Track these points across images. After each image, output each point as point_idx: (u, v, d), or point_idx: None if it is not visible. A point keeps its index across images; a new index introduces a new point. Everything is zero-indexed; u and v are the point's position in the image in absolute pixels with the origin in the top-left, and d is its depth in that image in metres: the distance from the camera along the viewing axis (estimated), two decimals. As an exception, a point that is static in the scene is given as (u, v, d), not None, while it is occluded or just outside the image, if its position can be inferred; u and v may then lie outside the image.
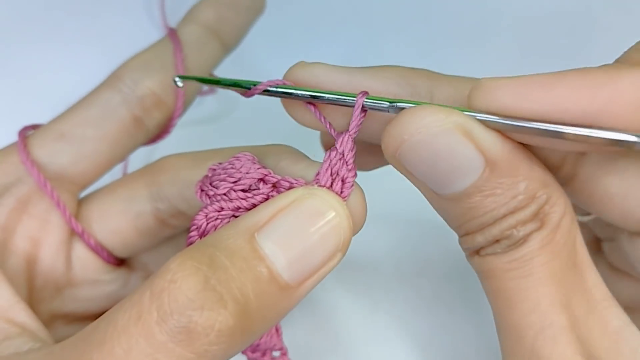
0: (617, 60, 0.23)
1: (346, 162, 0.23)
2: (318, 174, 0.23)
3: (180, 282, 0.20)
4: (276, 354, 0.29)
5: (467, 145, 0.21)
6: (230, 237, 0.21)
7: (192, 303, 0.19)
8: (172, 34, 0.32)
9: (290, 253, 0.21)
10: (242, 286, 0.20)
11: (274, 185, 0.24)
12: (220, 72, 0.35)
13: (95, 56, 0.51)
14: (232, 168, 0.24)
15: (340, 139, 0.24)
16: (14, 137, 0.46)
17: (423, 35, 0.52)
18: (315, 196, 0.22)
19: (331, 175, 0.23)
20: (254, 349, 0.28)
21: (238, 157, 0.25)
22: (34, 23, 0.53)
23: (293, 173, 0.24)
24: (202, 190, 0.25)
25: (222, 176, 0.24)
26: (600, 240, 0.32)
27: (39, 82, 0.50)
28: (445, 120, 0.21)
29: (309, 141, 0.33)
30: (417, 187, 0.23)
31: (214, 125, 0.50)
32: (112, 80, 0.31)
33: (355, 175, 0.24)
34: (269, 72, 0.51)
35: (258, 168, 0.24)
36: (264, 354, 0.28)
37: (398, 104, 0.23)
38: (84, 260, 0.31)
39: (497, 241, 0.22)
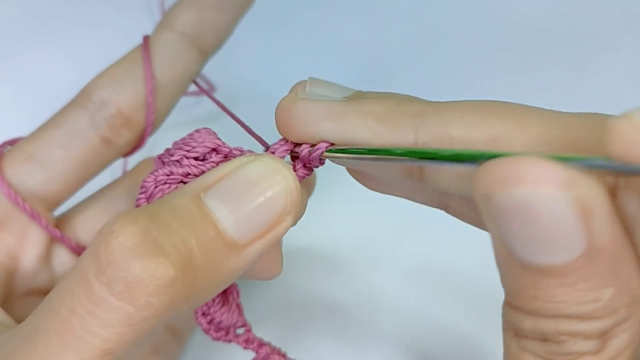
0: None
1: (305, 167, 0.25)
2: (273, 145, 0.25)
3: (118, 232, 0.19)
4: (240, 331, 0.29)
5: (578, 225, 0.17)
6: (174, 198, 0.22)
7: (130, 252, 0.19)
8: (145, 43, 0.31)
9: (236, 211, 0.21)
10: (185, 239, 0.20)
11: (226, 156, 0.25)
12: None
13: (94, 56, 0.51)
14: (190, 139, 0.25)
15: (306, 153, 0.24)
16: (11, 134, 0.46)
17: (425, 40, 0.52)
18: (261, 160, 0.23)
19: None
20: (217, 327, 0.28)
21: (199, 130, 0.26)
22: (32, 23, 0.53)
23: None
24: (159, 158, 0.26)
25: (179, 144, 0.25)
26: None
27: (37, 83, 0.50)
28: (569, 190, 0.17)
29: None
30: (491, 238, 0.19)
31: (213, 125, 0.50)
32: (81, 99, 0.30)
33: (310, 174, 0.25)
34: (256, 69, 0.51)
35: (213, 139, 0.25)
36: (227, 332, 0.28)
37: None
38: (66, 264, 0.31)
39: (545, 340, 0.19)
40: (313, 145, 0.24)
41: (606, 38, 0.50)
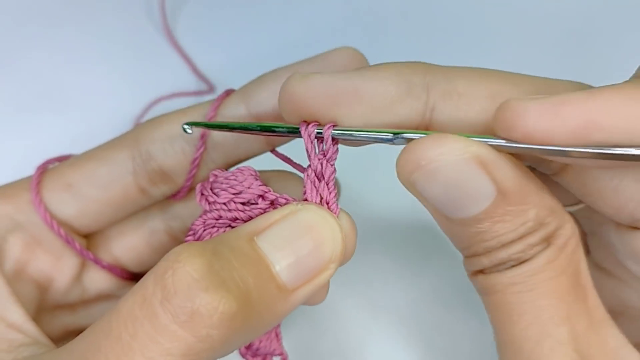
0: (634, 76, 0.24)
1: (327, 184, 0.25)
2: (305, 192, 0.25)
3: (185, 262, 0.20)
4: (276, 359, 0.29)
5: (482, 175, 0.22)
6: (231, 238, 0.22)
7: (197, 283, 0.20)
8: (218, 102, 0.30)
9: (287, 257, 0.22)
10: (244, 277, 0.21)
11: (272, 202, 0.25)
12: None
13: (94, 56, 0.51)
14: (234, 179, 0.25)
15: (317, 164, 0.24)
16: (12, 134, 0.46)
17: (421, 30, 0.52)
18: (309, 209, 0.23)
19: (318, 194, 0.25)
20: (254, 353, 0.28)
21: (242, 170, 0.26)
22: (34, 24, 0.53)
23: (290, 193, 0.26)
24: (202, 194, 0.26)
25: (224, 186, 0.25)
26: (586, 234, 0.32)
27: (39, 82, 0.50)
28: (464, 150, 0.22)
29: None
30: (427, 209, 0.24)
31: None
32: (131, 142, 0.30)
33: (337, 195, 0.25)
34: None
35: (259, 185, 0.25)
36: (264, 359, 0.28)
37: (404, 134, 0.24)
38: (97, 281, 0.32)
39: (503, 262, 0.23)
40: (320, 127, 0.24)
41: (606, 37, 0.50)
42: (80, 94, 0.49)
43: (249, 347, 0.28)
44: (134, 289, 0.21)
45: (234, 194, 0.25)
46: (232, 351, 0.22)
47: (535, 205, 0.22)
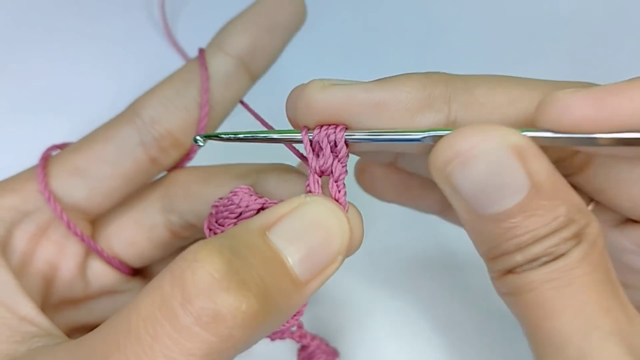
0: None
1: (336, 182, 0.25)
2: (308, 185, 0.25)
3: (204, 261, 0.20)
4: (293, 328, 0.30)
5: (517, 166, 0.22)
6: (244, 234, 0.22)
7: (218, 283, 0.20)
8: (202, 61, 0.31)
9: (299, 250, 0.22)
10: (262, 275, 0.21)
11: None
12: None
13: (95, 57, 0.51)
14: (232, 204, 0.26)
15: (329, 162, 0.25)
16: (12, 136, 0.46)
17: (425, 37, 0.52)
18: (317, 201, 0.23)
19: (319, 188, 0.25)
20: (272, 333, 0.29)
21: (236, 192, 0.26)
22: (34, 24, 0.53)
23: (293, 193, 0.26)
24: (209, 230, 0.26)
25: (225, 213, 0.26)
26: None
27: (38, 83, 0.50)
28: (503, 138, 0.22)
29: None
30: (456, 207, 0.23)
31: (226, 121, 0.50)
32: (131, 115, 0.30)
33: (345, 193, 0.25)
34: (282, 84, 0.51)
35: (256, 199, 0.25)
36: (283, 333, 0.29)
37: (434, 132, 0.23)
38: (100, 275, 0.32)
39: (536, 258, 0.23)
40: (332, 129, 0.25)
41: (606, 38, 0.50)
42: (80, 94, 0.49)
43: None
44: (150, 288, 0.21)
45: (235, 218, 0.25)
46: (252, 346, 0.22)
47: (565, 202, 0.23)
